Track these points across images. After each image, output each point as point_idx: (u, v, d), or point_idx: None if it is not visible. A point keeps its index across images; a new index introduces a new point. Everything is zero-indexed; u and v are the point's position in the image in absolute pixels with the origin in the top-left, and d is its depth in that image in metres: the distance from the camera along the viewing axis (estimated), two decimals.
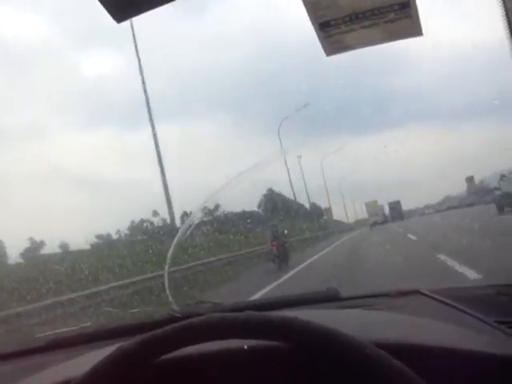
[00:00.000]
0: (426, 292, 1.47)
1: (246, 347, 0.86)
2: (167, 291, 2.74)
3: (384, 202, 53.94)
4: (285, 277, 12.09)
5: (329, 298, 1.56)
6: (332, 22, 1.03)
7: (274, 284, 10.75)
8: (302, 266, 14.65)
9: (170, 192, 22.15)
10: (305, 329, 0.76)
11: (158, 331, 0.80)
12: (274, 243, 14.60)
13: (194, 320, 0.80)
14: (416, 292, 1.50)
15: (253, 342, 0.82)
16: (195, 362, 0.90)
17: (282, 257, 14.60)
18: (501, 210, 22.08)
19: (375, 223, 43.31)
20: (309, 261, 16.27)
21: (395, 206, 52.06)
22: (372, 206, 54.86)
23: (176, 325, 0.80)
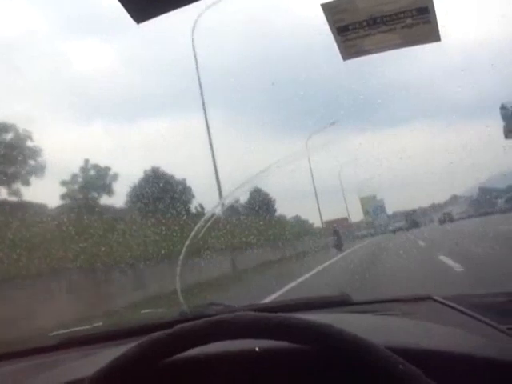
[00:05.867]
0: (439, 298, 1.46)
1: (257, 349, 0.86)
2: (179, 293, 2.73)
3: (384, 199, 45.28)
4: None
5: (341, 303, 1.56)
6: (350, 27, 1.03)
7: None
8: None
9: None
10: (340, 336, 0.75)
11: (187, 324, 0.78)
12: (336, 237, 24.66)
13: (225, 316, 0.78)
14: (428, 298, 1.49)
15: (265, 344, 0.81)
16: (208, 363, 0.90)
17: (340, 244, 23.78)
18: (441, 223, 36.89)
19: (399, 229, 40.84)
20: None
21: (411, 215, 50.16)
22: (369, 203, 44.60)
23: (208, 319, 0.78)
